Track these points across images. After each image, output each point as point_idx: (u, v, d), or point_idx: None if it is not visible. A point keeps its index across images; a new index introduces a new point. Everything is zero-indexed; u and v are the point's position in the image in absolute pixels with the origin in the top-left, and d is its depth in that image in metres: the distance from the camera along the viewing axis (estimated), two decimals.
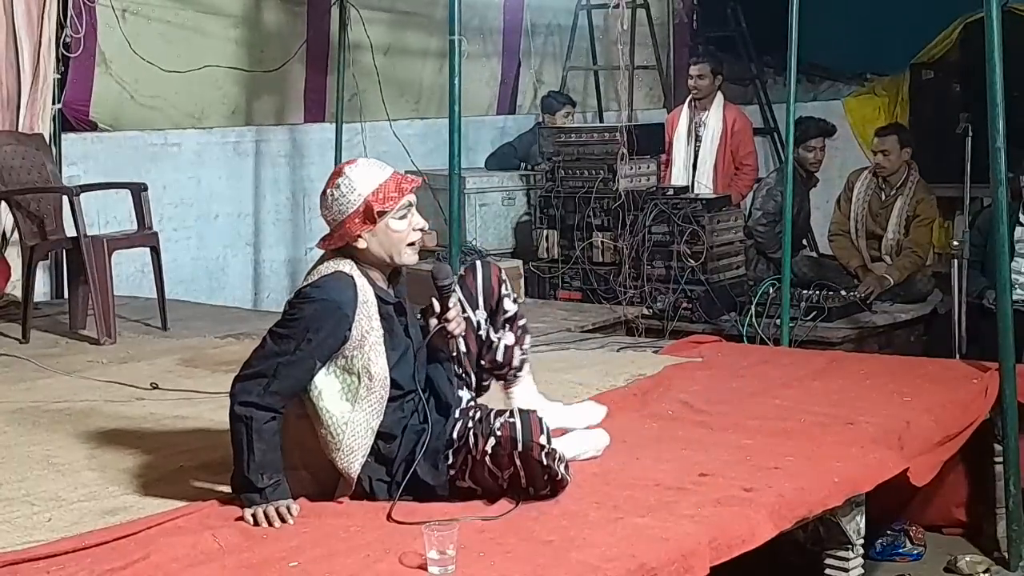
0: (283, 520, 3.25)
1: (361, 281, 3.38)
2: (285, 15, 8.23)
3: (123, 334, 6.00)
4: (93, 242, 5.93)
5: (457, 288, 3.68)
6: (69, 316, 6.22)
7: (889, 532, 4.87)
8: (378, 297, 3.41)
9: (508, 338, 3.75)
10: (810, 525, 3.79)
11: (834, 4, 9.55)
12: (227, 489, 3.51)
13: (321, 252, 3.51)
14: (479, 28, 9.43)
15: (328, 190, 3.42)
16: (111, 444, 4.10)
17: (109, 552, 3.07)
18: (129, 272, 7.02)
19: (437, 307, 3.56)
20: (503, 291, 3.76)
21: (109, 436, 4.19)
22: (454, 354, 3.64)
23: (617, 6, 7.58)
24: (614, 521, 3.25)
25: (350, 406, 3.34)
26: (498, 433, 3.33)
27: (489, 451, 3.33)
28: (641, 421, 4.31)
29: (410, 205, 3.43)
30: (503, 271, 3.84)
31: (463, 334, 3.64)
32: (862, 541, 3.99)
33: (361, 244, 3.40)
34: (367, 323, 3.36)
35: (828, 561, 4.01)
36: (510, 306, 3.77)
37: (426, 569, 2.92)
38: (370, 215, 3.37)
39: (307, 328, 3.29)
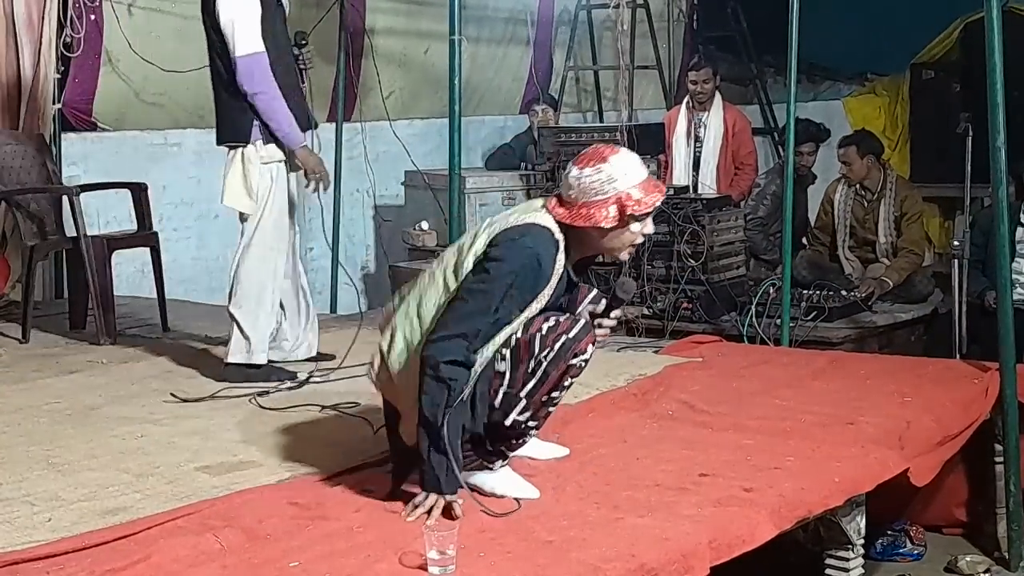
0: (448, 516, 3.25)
1: (562, 254, 3.37)
2: (312, 7, 8.16)
3: (123, 334, 6.00)
4: (93, 242, 5.93)
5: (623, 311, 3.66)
6: (69, 316, 6.23)
7: (889, 532, 4.88)
8: (565, 273, 3.40)
9: None
10: (810, 525, 3.80)
11: (834, 4, 9.54)
12: (226, 490, 3.51)
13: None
14: (511, 20, 9.43)
15: (586, 168, 3.36)
16: (111, 444, 4.10)
17: (109, 552, 3.07)
18: (129, 272, 7.02)
19: (601, 308, 3.54)
20: None
21: (109, 436, 4.19)
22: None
23: (617, 6, 7.57)
24: (614, 521, 3.25)
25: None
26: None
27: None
28: (641, 421, 4.31)
29: (653, 210, 3.42)
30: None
31: (599, 345, 3.56)
32: (862, 541, 3.99)
33: (594, 233, 3.38)
34: (545, 293, 3.35)
35: (828, 561, 4.02)
36: None
37: (426, 569, 2.92)
38: (622, 215, 3.34)
39: (511, 284, 3.26)
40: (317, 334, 5.32)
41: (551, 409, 3.49)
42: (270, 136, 4.93)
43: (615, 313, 3.54)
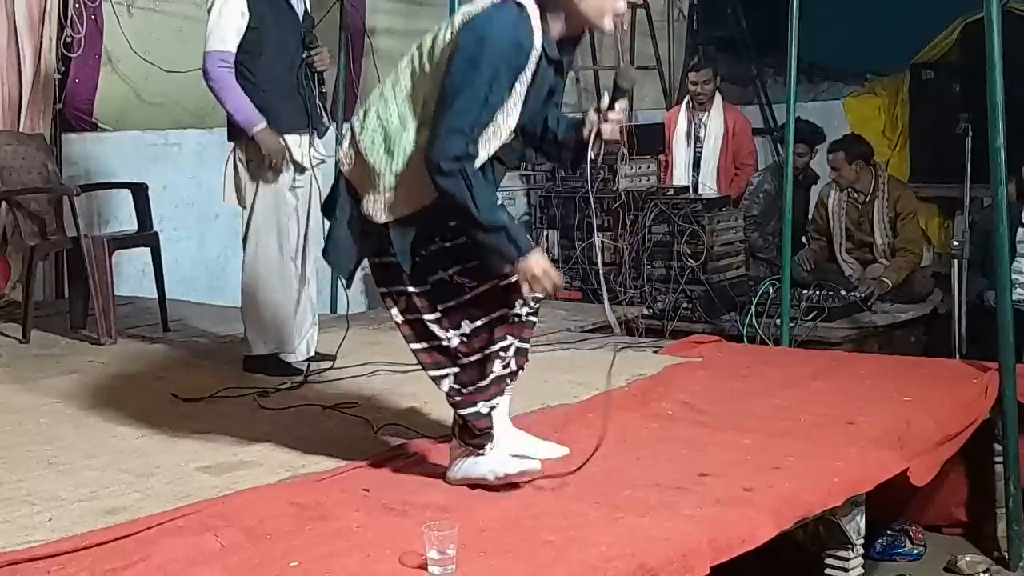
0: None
1: (536, 25, 3.28)
2: (312, 8, 8.11)
3: (124, 334, 6.00)
4: (93, 242, 5.93)
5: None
6: (69, 316, 6.22)
7: (889, 532, 4.87)
8: (543, 49, 3.32)
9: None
10: (810, 525, 3.79)
11: (834, 4, 9.52)
12: (226, 490, 3.51)
13: None
14: None
15: None
16: (111, 444, 4.10)
17: (110, 552, 3.07)
18: (130, 272, 7.01)
19: (605, 102, 3.46)
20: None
21: (109, 436, 4.19)
22: (591, 150, 3.50)
23: None
24: (614, 521, 3.25)
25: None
26: None
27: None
28: (641, 421, 4.31)
29: None
30: None
31: (610, 138, 3.51)
32: (862, 541, 3.99)
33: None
34: (526, 73, 3.28)
35: (828, 561, 4.01)
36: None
37: (426, 569, 2.91)
38: None
39: (497, 68, 3.20)
40: (317, 334, 5.32)
41: (493, 368, 3.43)
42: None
43: (620, 104, 3.46)
